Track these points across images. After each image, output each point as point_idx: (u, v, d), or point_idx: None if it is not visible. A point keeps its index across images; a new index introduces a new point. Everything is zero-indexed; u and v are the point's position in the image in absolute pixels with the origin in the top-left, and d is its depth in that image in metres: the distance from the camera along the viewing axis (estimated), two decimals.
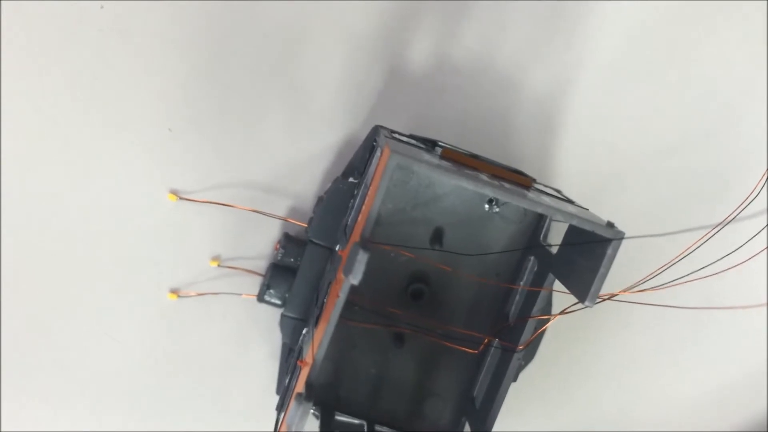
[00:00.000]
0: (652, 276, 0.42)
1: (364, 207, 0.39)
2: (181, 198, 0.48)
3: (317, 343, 0.38)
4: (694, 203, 0.52)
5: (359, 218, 0.39)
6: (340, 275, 0.37)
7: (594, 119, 0.51)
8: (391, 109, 0.49)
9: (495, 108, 0.50)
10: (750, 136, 0.52)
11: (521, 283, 0.47)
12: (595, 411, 0.56)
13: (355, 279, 0.35)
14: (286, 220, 0.49)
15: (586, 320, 0.50)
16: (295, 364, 0.44)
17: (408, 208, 0.48)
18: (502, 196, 0.37)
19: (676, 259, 0.42)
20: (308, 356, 0.39)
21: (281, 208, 0.50)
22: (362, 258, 0.34)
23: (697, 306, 0.51)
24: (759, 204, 0.50)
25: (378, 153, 0.42)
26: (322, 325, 0.39)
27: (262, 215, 0.49)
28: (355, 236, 0.38)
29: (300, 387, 0.39)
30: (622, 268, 0.39)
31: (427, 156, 0.39)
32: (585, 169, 0.51)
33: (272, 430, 0.46)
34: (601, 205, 0.46)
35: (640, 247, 0.50)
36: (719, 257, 0.45)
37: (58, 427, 0.51)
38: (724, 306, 0.52)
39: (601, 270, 0.37)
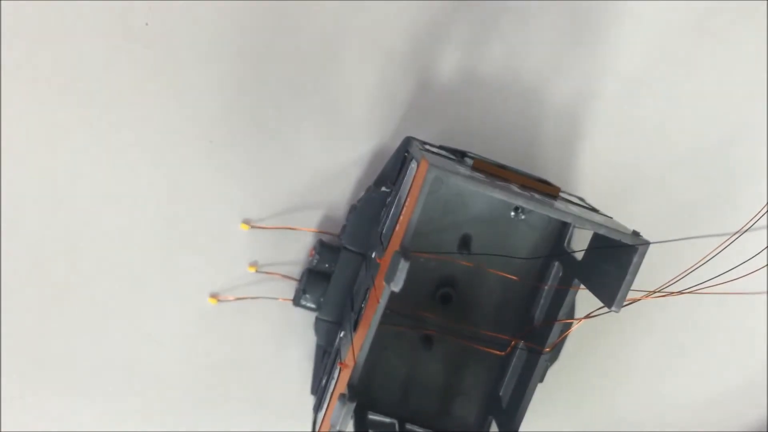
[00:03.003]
0: (675, 281, 0.44)
1: (402, 217, 0.40)
2: (253, 227, 0.50)
3: (358, 347, 0.40)
4: (711, 212, 0.54)
5: (397, 228, 0.41)
6: (381, 282, 0.39)
7: (615, 130, 0.53)
8: (421, 120, 0.51)
9: (520, 119, 0.52)
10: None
11: (546, 287, 0.49)
12: (609, 413, 0.58)
13: (397, 286, 0.37)
14: (329, 234, 0.51)
15: (601, 323, 0.52)
16: (332, 366, 0.46)
17: (437, 215, 0.50)
18: (534, 207, 0.39)
19: (702, 262, 0.43)
20: (349, 359, 0.41)
21: (315, 216, 0.52)
22: (404, 267, 0.36)
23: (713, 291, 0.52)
24: None
25: (413, 165, 0.43)
26: (362, 330, 0.41)
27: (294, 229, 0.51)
28: (395, 245, 0.40)
29: (342, 388, 0.40)
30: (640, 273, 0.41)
31: (461, 168, 0.40)
32: (606, 177, 0.53)
33: (309, 429, 0.48)
34: (620, 210, 0.47)
35: (656, 253, 0.51)
36: (738, 263, 0.47)
37: (102, 426, 0.53)
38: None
39: (628, 277, 0.39)
